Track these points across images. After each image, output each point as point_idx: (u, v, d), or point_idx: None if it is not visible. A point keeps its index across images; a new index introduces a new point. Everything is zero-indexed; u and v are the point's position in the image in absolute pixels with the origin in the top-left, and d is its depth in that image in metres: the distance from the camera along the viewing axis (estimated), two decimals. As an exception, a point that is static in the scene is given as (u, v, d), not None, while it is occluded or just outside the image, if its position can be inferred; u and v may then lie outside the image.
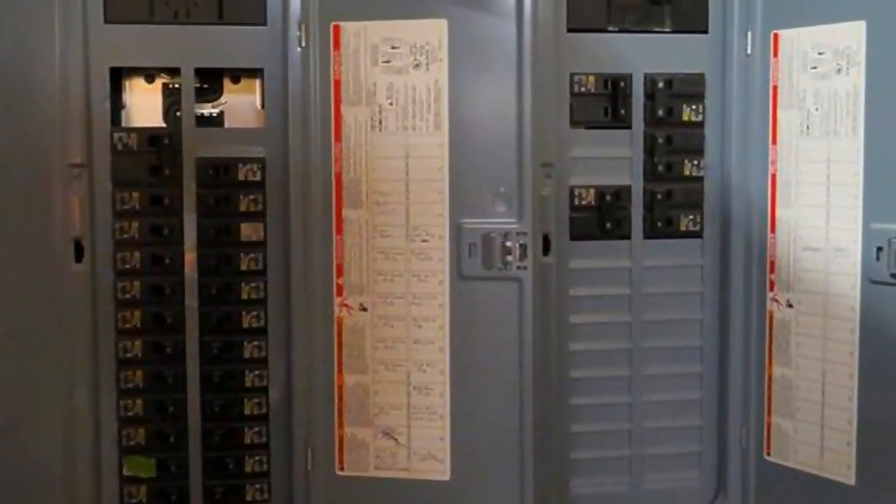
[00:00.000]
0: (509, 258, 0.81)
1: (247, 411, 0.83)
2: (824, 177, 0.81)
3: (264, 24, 0.81)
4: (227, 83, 0.85)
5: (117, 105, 0.83)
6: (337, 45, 0.81)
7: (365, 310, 0.83)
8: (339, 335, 0.83)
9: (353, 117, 0.82)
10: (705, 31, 0.86)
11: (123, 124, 0.83)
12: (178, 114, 0.82)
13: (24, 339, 0.79)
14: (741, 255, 0.86)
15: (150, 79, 0.84)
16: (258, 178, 0.82)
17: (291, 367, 0.83)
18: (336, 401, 0.84)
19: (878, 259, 0.77)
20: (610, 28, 0.85)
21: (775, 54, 0.83)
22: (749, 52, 0.84)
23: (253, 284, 0.82)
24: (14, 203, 0.78)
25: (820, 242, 0.81)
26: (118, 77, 0.82)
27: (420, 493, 0.83)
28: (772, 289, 0.85)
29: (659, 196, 0.86)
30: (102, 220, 0.81)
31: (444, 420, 0.83)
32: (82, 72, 0.79)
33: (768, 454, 0.86)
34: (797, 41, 0.82)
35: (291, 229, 0.82)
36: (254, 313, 0.83)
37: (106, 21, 0.80)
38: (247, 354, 0.83)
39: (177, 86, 0.82)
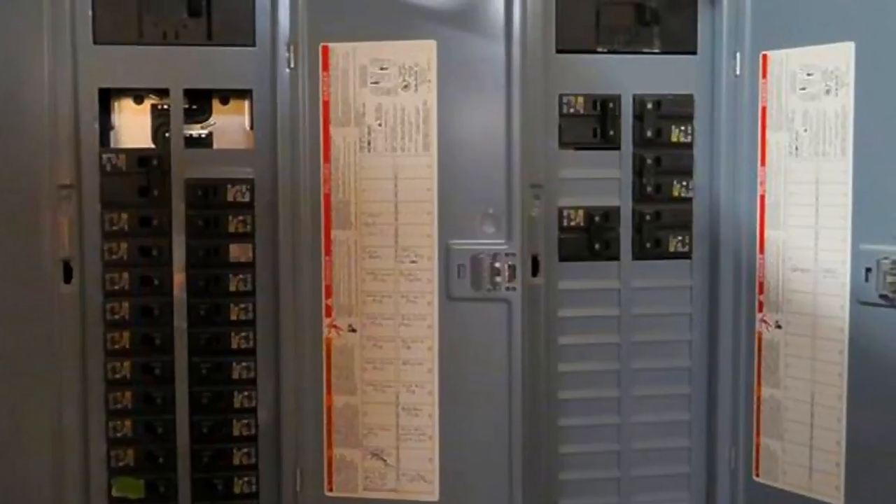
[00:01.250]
0: (498, 279, 0.81)
1: (236, 432, 0.83)
2: (813, 198, 0.81)
3: (253, 45, 0.82)
4: (215, 104, 0.85)
5: (106, 126, 0.83)
6: (326, 67, 0.81)
7: (354, 331, 0.83)
8: (328, 356, 0.83)
9: (342, 138, 0.82)
10: (694, 53, 0.86)
11: (112, 145, 0.83)
12: (166, 135, 0.82)
13: (12, 359, 0.79)
14: (730, 276, 0.86)
15: (138, 100, 0.84)
16: (247, 199, 0.82)
17: (280, 388, 0.83)
18: (325, 422, 0.84)
19: (866, 280, 0.77)
20: (599, 49, 0.85)
21: (764, 75, 0.83)
22: (738, 73, 0.84)
23: (242, 305, 0.82)
24: (3, 224, 0.79)
25: (809, 263, 0.81)
26: (107, 98, 0.83)
27: (409, 514, 0.84)
28: (760, 310, 0.85)
29: (648, 217, 0.86)
30: (91, 241, 0.81)
31: (432, 441, 0.83)
32: (71, 93, 0.79)
33: (757, 475, 0.86)
34: (786, 62, 0.82)
35: (280, 250, 0.82)
36: (243, 334, 0.83)
37: (95, 42, 0.80)
38: (235, 375, 0.83)
39: (165, 107, 0.83)
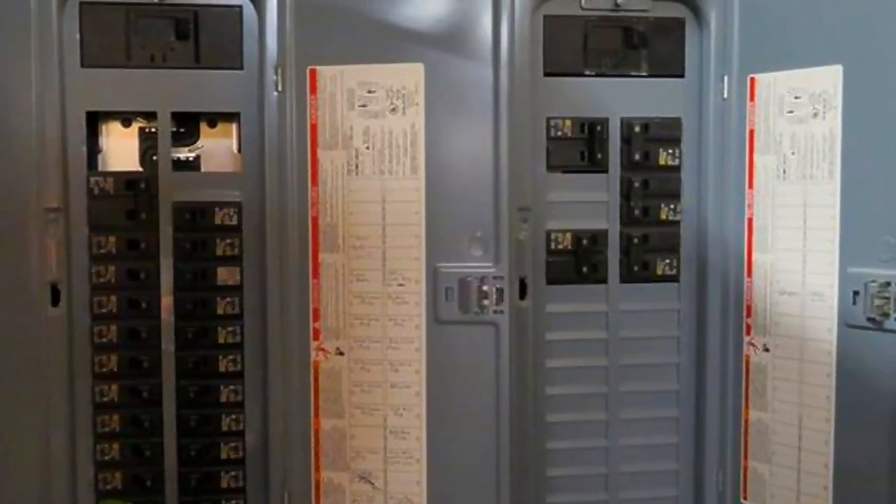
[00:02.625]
0: (486, 302, 0.81)
1: (223, 455, 0.83)
2: (801, 221, 0.81)
3: (241, 68, 0.82)
4: (203, 127, 0.85)
5: (94, 149, 0.83)
6: (313, 90, 0.81)
7: (341, 354, 0.83)
8: (316, 379, 0.83)
9: (330, 161, 0.82)
10: (682, 76, 0.86)
11: (100, 168, 0.83)
12: (154, 158, 0.82)
13: (-1, 383, 0.79)
14: (718, 300, 0.86)
15: (126, 123, 0.84)
16: (235, 222, 0.82)
17: (268, 411, 0.82)
18: (312, 445, 0.83)
19: (854, 303, 0.77)
20: (586, 72, 0.85)
21: (752, 98, 0.83)
22: (725, 96, 0.85)
23: (229, 328, 0.82)
24: (-10, 247, 0.78)
25: (796, 286, 0.81)
26: (94, 121, 0.82)
27: (396, 537, 0.84)
28: (748, 333, 0.85)
29: (635, 240, 0.86)
30: (79, 264, 0.81)
31: (420, 464, 0.83)
32: (59, 116, 0.79)
33: (745, 498, 0.86)
34: (773, 85, 0.82)
35: (268, 273, 0.82)
36: (230, 357, 0.83)
37: (82, 65, 0.80)
38: (223, 398, 0.83)
39: (153, 130, 0.82)
